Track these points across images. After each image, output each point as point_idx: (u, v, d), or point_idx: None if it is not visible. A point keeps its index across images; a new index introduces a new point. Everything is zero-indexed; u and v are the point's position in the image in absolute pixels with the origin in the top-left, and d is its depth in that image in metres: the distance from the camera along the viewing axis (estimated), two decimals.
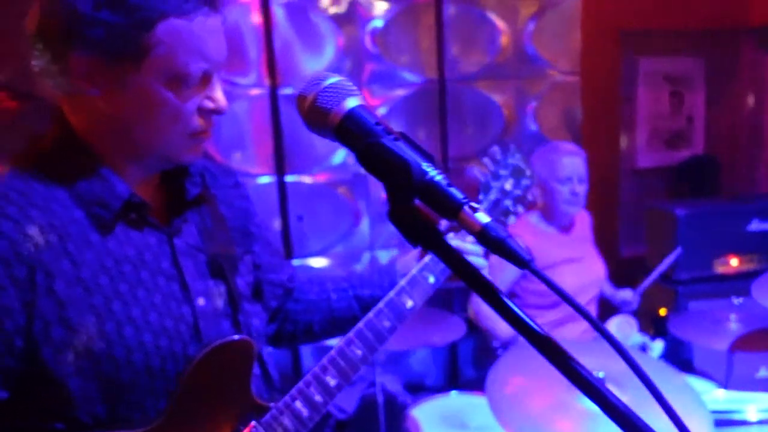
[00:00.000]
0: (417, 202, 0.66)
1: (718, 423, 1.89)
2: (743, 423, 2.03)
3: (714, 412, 1.88)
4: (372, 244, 3.38)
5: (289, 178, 3.18)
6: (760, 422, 2.02)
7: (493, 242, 0.61)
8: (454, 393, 2.51)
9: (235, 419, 1.06)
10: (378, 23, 3.26)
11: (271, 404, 1.09)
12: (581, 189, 2.76)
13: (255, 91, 3.10)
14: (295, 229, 3.20)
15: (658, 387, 0.60)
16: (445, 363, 3.48)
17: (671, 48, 4.04)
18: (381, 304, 1.18)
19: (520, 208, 1.41)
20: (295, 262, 3.19)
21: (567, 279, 2.67)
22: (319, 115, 0.68)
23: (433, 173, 0.64)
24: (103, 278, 0.97)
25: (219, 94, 1.01)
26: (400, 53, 3.31)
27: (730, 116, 4.28)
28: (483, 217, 0.62)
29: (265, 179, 3.15)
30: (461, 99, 3.45)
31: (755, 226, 3.54)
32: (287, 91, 3.09)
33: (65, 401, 0.95)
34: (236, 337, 1.07)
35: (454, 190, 0.63)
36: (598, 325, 0.61)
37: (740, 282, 3.11)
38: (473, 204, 0.62)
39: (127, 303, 0.98)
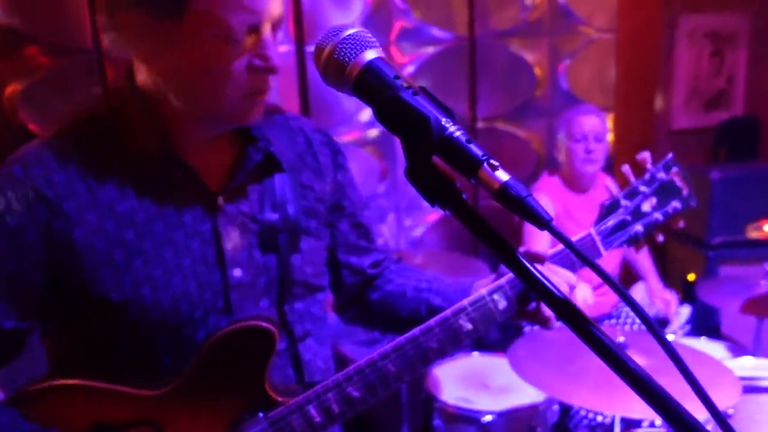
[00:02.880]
0: (435, 159, 0.64)
1: (746, 389, 1.86)
2: None
3: (742, 378, 1.86)
4: (398, 205, 3.37)
5: None
6: None
7: (512, 201, 0.59)
8: (475, 353, 2.53)
9: (242, 406, 1.02)
10: None
11: (284, 400, 1.03)
12: (597, 147, 2.74)
13: (282, 48, 3.07)
14: None
15: (681, 355, 0.58)
16: None
17: (716, 3, 3.87)
18: (433, 322, 1.05)
19: (652, 238, 1.14)
20: None
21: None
22: (337, 68, 0.66)
23: (453, 129, 0.62)
24: (128, 233, 0.97)
25: (271, 51, 0.94)
26: (430, 9, 3.24)
27: None
28: (503, 175, 0.60)
29: None
30: (492, 57, 3.37)
31: None
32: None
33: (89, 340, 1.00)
34: (255, 323, 1.01)
35: (473, 147, 0.61)
36: (620, 289, 0.59)
37: None
38: (493, 161, 0.60)
39: (147, 261, 0.97)
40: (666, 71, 3.93)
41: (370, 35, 0.68)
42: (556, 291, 0.59)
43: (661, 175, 1.13)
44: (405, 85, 0.64)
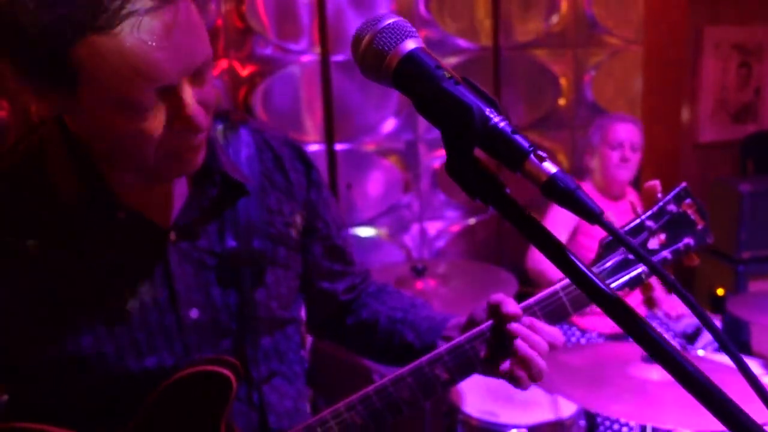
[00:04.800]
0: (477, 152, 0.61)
1: None
2: None
3: None
4: (421, 215, 3.34)
5: (339, 146, 3.16)
6: None
7: (561, 194, 0.56)
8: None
9: None
10: None
11: None
12: (632, 157, 2.71)
13: (306, 57, 3.08)
14: (344, 197, 3.19)
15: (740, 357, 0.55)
16: None
17: (743, 15, 3.82)
18: (405, 371, 0.96)
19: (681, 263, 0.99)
20: None
21: None
22: (376, 58, 0.63)
23: (497, 119, 0.59)
24: (59, 284, 0.89)
25: (192, 110, 0.79)
26: (454, 19, 3.23)
27: None
28: (551, 167, 0.57)
29: (314, 146, 3.14)
30: (516, 67, 3.35)
31: None
32: (339, 57, 3.06)
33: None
34: (209, 367, 0.92)
35: (519, 138, 0.59)
36: (675, 286, 0.56)
37: None
38: (540, 152, 0.58)
39: (83, 312, 0.89)
40: (692, 83, 3.89)
41: (410, 25, 0.65)
42: (607, 290, 0.56)
43: (672, 207, 0.98)
44: (447, 75, 0.62)
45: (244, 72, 3.02)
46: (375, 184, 3.26)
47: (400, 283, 2.49)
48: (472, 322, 1.01)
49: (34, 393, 0.96)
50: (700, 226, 0.99)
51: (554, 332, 0.95)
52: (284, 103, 3.08)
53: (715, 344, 2.80)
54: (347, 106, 3.12)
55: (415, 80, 0.62)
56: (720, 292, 3.34)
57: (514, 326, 0.93)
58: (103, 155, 0.87)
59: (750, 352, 2.90)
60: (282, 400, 1.05)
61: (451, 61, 3.26)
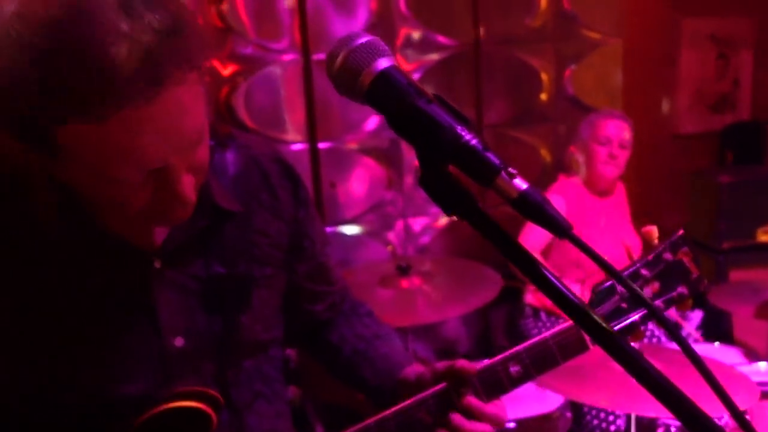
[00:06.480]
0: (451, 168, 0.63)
1: (764, 395, 1.84)
2: None
3: (759, 384, 1.84)
4: (405, 211, 3.35)
5: (322, 145, 3.16)
6: None
7: (531, 209, 0.58)
8: (485, 361, 2.50)
9: None
10: None
11: None
12: (620, 153, 2.73)
13: (287, 56, 3.07)
14: (328, 196, 3.19)
15: (701, 358, 0.57)
16: (477, 330, 3.46)
17: (720, 7, 3.86)
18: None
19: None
20: (327, 229, 3.19)
21: (598, 245, 2.62)
22: (349, 76, 0.65)
23: (468, 137, 0.61)
24: (43, 307, 0.87)
25: (178, 189, 0.78)
26: (434, 16, 3.23)
27: None
28: (521, 183, 0.59)
29: (297, 145, 3.14)
30: (497, 63, 3.36)
31: None
32: (320, 56, 3.05)
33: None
34: (188, 403, 0.91)
35: (490, 155, 0.60)
36: (638, 294, 0.58)
37: None
38: (511, 170, 0.59)
39: (64, 338, 0.88)
40: (671, 75, 3.92)
41: (383, 43, 0.67)
42: (576, 300, 0.58)
43: (668, 255, 0.98)
44: (419, 93, 0.63)
45: (226, 71, 3.01)
46: (358, 181, 3.26)
47: (384, 282, 2.50)
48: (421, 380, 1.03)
49: (12, 418, 0.94)
50: (694, 276, 0.99)
51: (499, 416, 0.99)
52: (266, 102, 3.07)
53: (697, 334, 2.84)
54: (329, 104, 3.12)
55: (388, 98, 0.64)
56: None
57: (456, 418, 0.97)
58: (83, 200, 0.86)
59: (732, 342, 2.95)
60: (261, 422, 1.05)
61: (432, 57, 3.27)
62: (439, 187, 0.63)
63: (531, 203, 0.58)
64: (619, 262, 1.05)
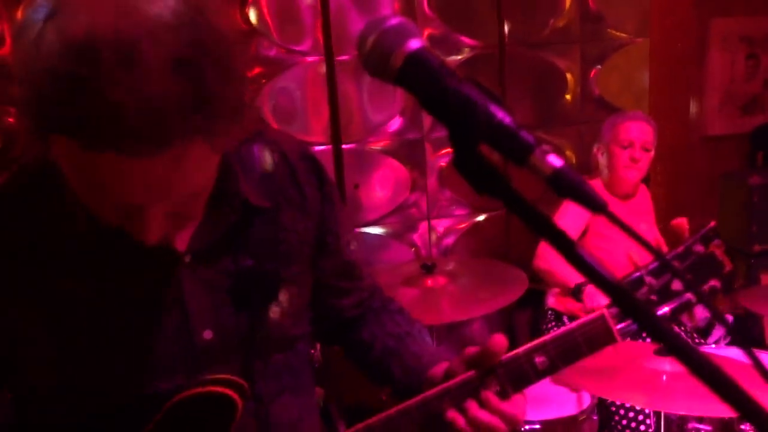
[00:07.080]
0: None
1: None
2: None
3: None
4: (429, 213, 3.35)
5: (345, 146, 3.17)
6: None
7: (566, 186, 0.57)
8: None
9: None
10: None
11: None
12: (643, 157, 2.67)
13: (311, 58, 3.09)
14: (351, 197, 3.20)
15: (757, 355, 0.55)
16: (501, 332, 3.43)
17: (749, 6, 3.80)
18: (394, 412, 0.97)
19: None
20: None
21: (619, 248, 2.58)
22: (380, 57, 0.64)
23: (502, 115, 0.60)
24: (74, 305, 0.88)
25: (144, 235, 0.78)
26: (458, 17, 3.23)
27: None
28: (555, 160, 0.58)
29: (321, 147, 3.15)
30: (521, 64, 3.34)
31: None
32: (343, 57, 3.06)
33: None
34: (214, 389, 0.92)
35: (524, 133, 0.59)
36: (680, 276, 0.56)
37: None
38: (545, 146, 0.58)
39: (91, 339, 0.89)
40: (700, 76, 3.87)
41: (413, 25, 0.66)
42: (616, 284, 0.57)
43: (699, 248, 0.96)
44: (450, 73, 0.63)
45: (250, 73, 3.03)
46: (382, 183, 3.26)
47: (409, 282, 2.49)
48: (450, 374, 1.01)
49: (41, 413, 0.96)
50: (727, 268, 0.97)
51: (517, 417, 0.96)
52: (290, 103, 3.09)
53: (727, 339, 2.79)
54: (352, 105, 3.12)
55: (419, 79, 0.63)
56: None
57: (472, 407, 0.96)
58: None
59: (763, 346, 2.89)
60: (288, 413, 1.05)
61: (455, 59, 3.26)
62: (471, 167, 0.62)
63: (566, 180, 0.57)
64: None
